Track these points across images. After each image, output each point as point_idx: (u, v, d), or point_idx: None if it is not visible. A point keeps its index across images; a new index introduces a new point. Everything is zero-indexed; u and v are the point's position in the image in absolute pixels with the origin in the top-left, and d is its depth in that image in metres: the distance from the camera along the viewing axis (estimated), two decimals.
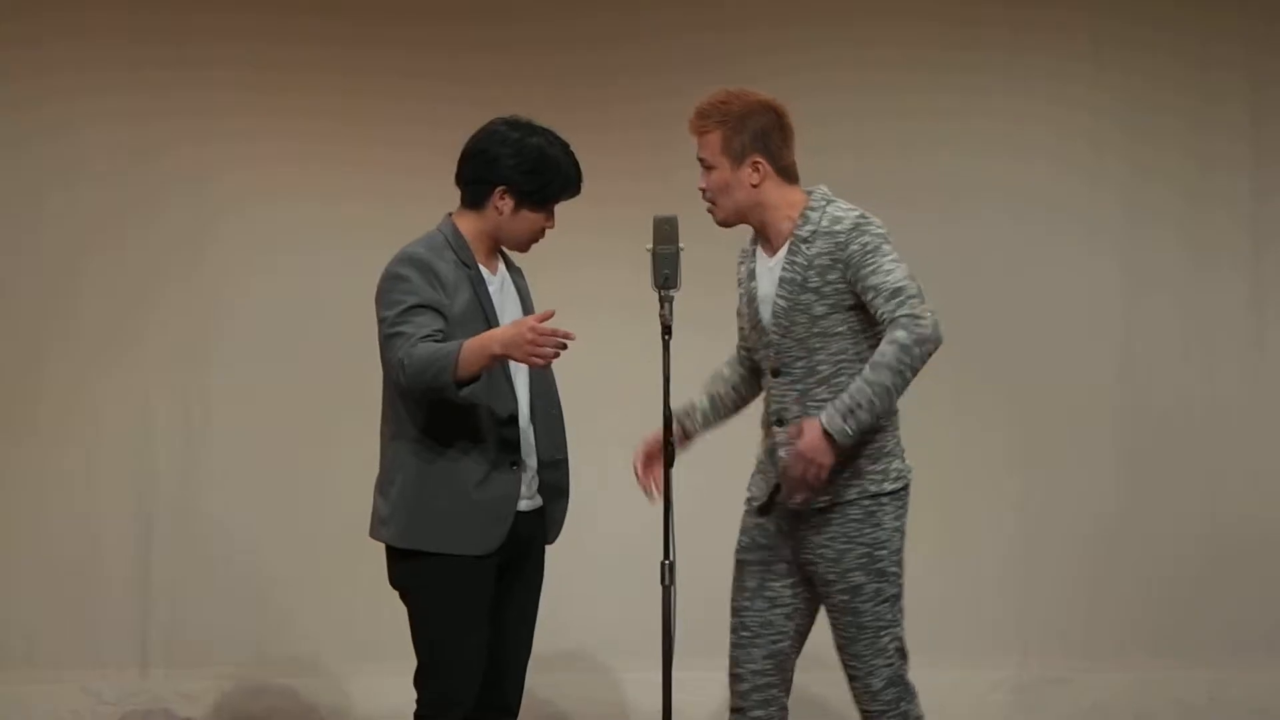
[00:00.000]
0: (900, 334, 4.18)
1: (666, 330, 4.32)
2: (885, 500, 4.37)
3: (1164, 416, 6.69)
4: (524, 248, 4.49)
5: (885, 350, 4.19)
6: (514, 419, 4.39)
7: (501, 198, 4.40)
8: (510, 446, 4.38)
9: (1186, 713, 6.51)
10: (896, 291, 4.23)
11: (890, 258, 4.28)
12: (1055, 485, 6.66)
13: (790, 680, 4.47)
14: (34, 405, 6.57)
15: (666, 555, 4.34)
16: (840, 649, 4.41)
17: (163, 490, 6.58)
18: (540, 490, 4.49)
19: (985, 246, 6.67)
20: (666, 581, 4.33)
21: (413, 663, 4.49)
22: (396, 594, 4.50)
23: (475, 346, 4.19)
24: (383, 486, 4.47)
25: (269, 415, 6.57)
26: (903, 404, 4.36)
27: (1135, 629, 6.63)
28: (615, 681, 6.11)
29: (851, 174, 6.43)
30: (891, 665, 4.39)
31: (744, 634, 4.43)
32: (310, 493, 6.53)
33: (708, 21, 6.69)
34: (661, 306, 4.33)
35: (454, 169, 4.53)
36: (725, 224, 4.45)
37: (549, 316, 4.19)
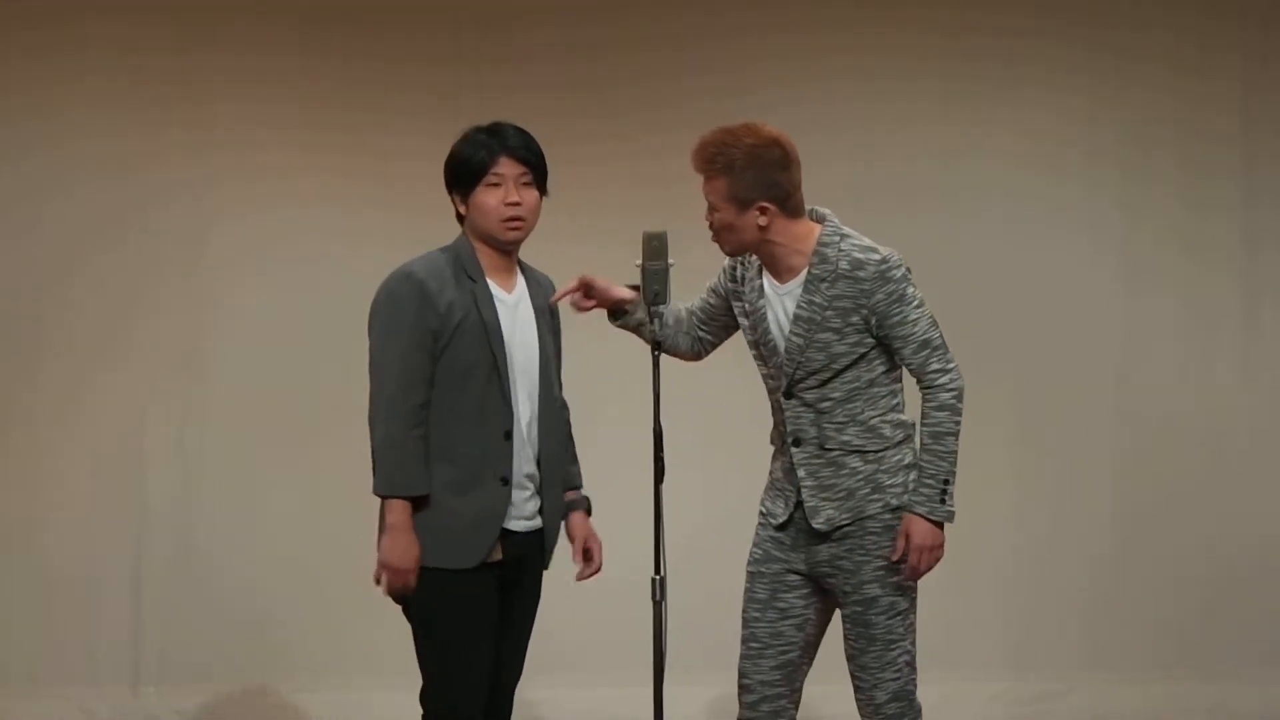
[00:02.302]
0: (944, 396, 4.33)
1: (656, 345, 4.32)
2: (895, 515, 4.38)
3: (1163, 422, 6.69)
4: (501, 232, 4.37)
5: (940, 418, 4.33)
6: (508, 435, 4.35)
7: (460, 203, 4.40)
8: (501, 462, 4.34)
9: None
10: (925, 343, 4.33)
11: (914, 305, 4.34)
12: (1054, 493, 6.66)
13: (799, 692, 4.47)
14: (27, 421, 6.57)
15: (657, 570, 4.34)
16: (850, 659, 4.41)
17: (157, 507, 6.57)
18: (541, 512, 4.45)
19: (986, 250, 6.68)
20: (657, 597, 4.33)
21: (408, 678, 4.48)
22: (391, 608, 4.48)
23: (397, 511, 4.29)
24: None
25: (264, 430, 6.56)
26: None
27: (1135, 640, 6.62)
28: (606, 696, 6.11)
29: (856, 178, 6.46)
30: (898, 680, 4.39)
31: (754, 645, 4.43)
32: (305, 508, 6.52)
33: (708, 30, 6.68)
34: (651, 322, 4.33)
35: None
36: (733, 255, 4.43)
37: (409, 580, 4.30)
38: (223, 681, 6.52)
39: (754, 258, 4.43)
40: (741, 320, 4.46)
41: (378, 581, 4.36)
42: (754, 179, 4.30)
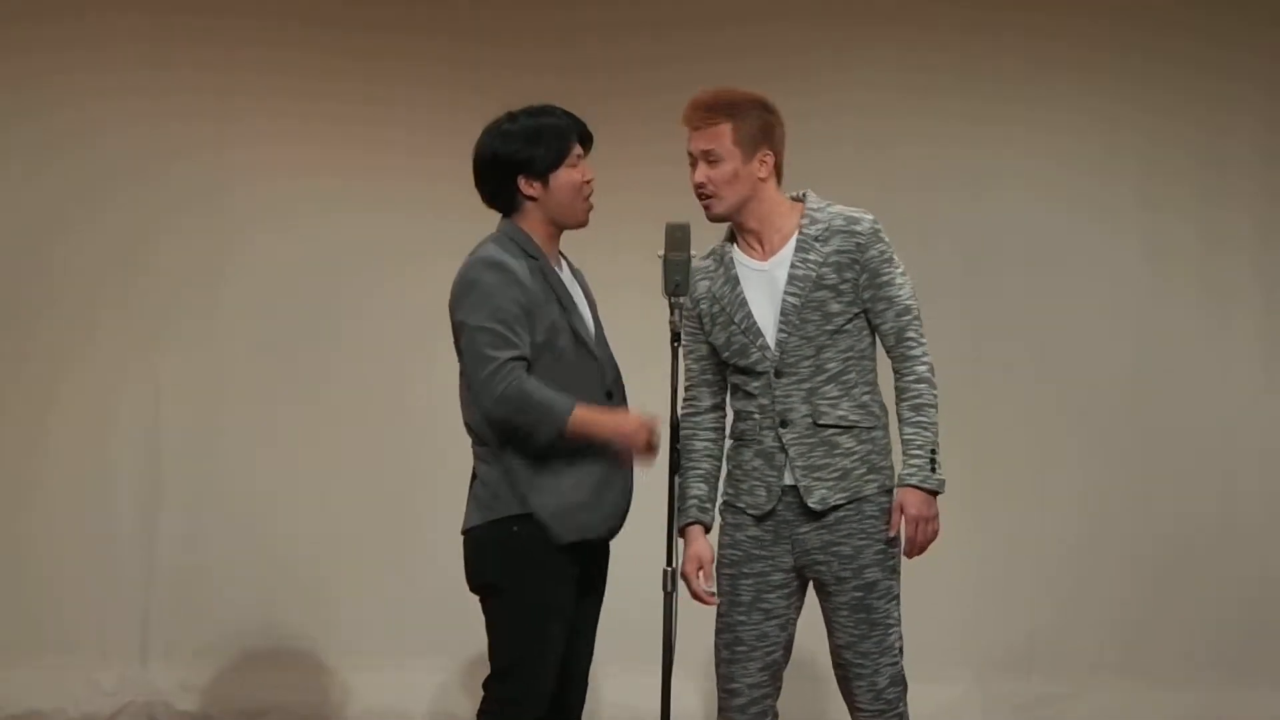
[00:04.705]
0: (921, 369, 4.36)
1: (676, 337, 4.32)
2: (890, 497, 4.39)
3: (1181, 418, 6.69)
4: (581, 215, 4.42)
5: (920, 390, 4.34)
6: (610, 395, 4.39)
7: (528, 184, 4.37)
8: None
9: None
10: (906, 309, 4.37)
11: (900, 270, 4.39)
12: (1070, 492, 6.65)
13: (780, 687, 4.45)
14: (33, 388, 6.61)
15: (669, 562, 4.33)
16: (844, 648, 4.37)
17: (166, 484, 6.60)
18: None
19: (1006, 243, 6.69)
20: (668, 588, 4.32)
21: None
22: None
23: (589, 421, 4.23)
24: (493, 482, 4.34)
25: (278, 409, 6.60)
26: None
27: (1141, 643, 6.61)
28: (615, 685, 6.12)
29: (878, 168, 6.47)
30: (895, 665, 4.38)
31: (740, 649, 4.39)
32: (317, 487, 6.55)
33: (731, 15, 6.70)
34: (671, 313, 4.32)
35: (466, 169, 4.48)
36: (723, 218, 4.41)
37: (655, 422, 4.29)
38: (230, 657, 6.54)
39: (714, 258, 4.44)
40: (716, 323, 4.42)
41: (632, 454, 4.32)
42: (757, 123, 4.36)
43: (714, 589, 4.40)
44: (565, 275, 4.44)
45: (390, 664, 6.45)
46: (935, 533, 4.34)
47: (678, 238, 4.31)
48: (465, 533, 4.38)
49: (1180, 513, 6.65)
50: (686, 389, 4.48)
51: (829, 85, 6.63)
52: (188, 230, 6.65)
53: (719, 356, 4.46)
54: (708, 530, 4.44)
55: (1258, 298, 6.73)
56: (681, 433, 4.45)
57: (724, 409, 4.51)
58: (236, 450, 6.58)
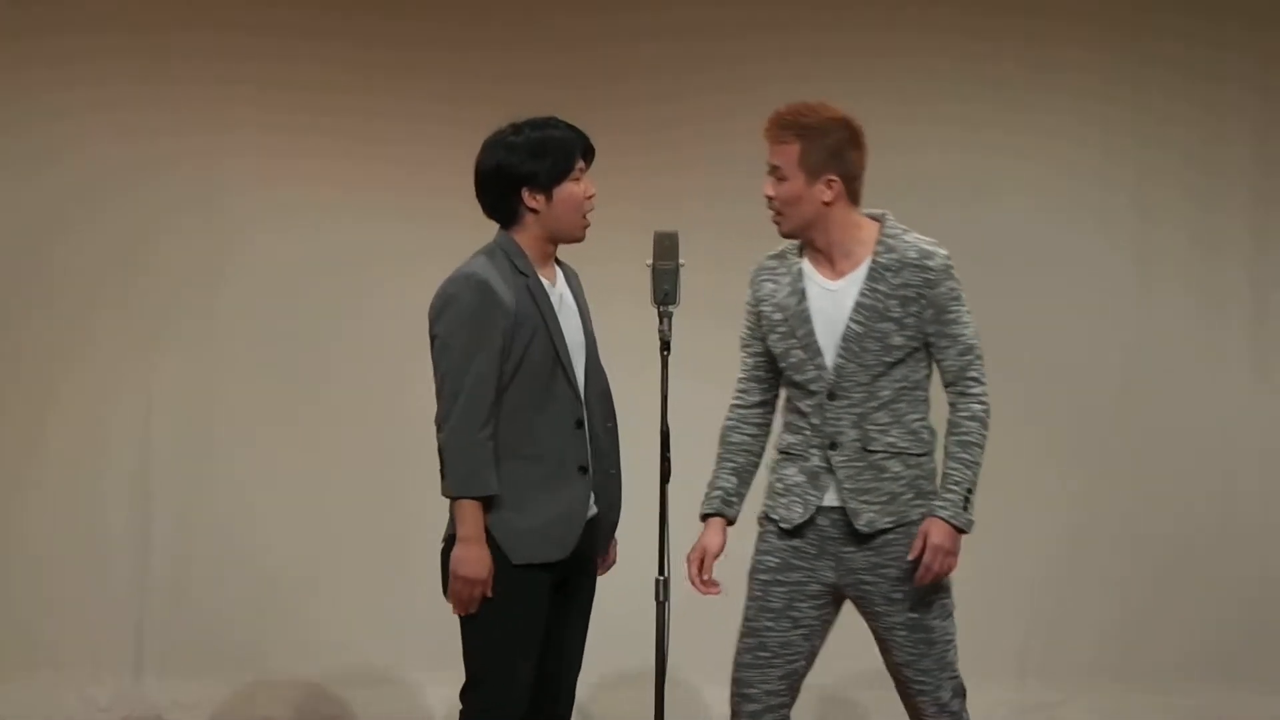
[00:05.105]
0: (976, 408, 4.38)
1: (665, 346, 4.33)
2: None
3: (1174, 421, 6.68)
4: (579, 230, 4.41)
5: (971, 427, 4.37)
6: (580, 424, 4.36)
7: (532, 196, 4.35)
8: (578, 451, 4.35)
9: None
10: (969, 349, 4.39)
11: (966, 309, 4.39)
12: (1062, 495, 6.63)
13: (797, 696, 4.44)
14: (40, 397, 6.60)
15: (661, 571, 4.33)
16: (903, 666, 4.38)
17: (161, 494, 6.59)
18: (596, 500, 4.43)
19: (1002, 247, 6.70)
20: (660, 597, 4.33)
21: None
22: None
23: (466, 524, 4.23)
24: None
25: (271, 419, 6.58)
26: None
27: (1139, 645, 6.60)
28: (607, 696, 6.12)
29: (872, 173, 6.47)
30: (956, 677, 4.41)
31: (762, 654, 4.37)
32: (311, 498, 6.53)
33: (727, 24, 6.69)
34: (660, 322, 4.34)
35: (462, 173, 4.47)
36: (790, 236, 4.42)
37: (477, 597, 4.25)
38: (223, 673, 6.52)
39: (784, 264, 4.43)
40: (776, 331, 4.41)
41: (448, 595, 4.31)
42: (827, 149, 4.35)
43: (715, 582, 4.39)
44: (558, 288, 4.43)
45: (392, 676, 6.45)
46: (952, 567, 4.34)
47: (666, 246, 4.32)
48: (443, 541, 4.38)
49: (1178, 514, 6.65)
50: (738, 381, 4.51)
51: (826, 92, 6.54)
52: (186, 232, 6.65)
53: (774, 359, 4.46)
54: (730, 523, 4.44)
55: (1251, 301, 6.74)
56: (725, 424, 4.50)
57: (772, 407, 4.51)
58: (234, 454, 6.57)
